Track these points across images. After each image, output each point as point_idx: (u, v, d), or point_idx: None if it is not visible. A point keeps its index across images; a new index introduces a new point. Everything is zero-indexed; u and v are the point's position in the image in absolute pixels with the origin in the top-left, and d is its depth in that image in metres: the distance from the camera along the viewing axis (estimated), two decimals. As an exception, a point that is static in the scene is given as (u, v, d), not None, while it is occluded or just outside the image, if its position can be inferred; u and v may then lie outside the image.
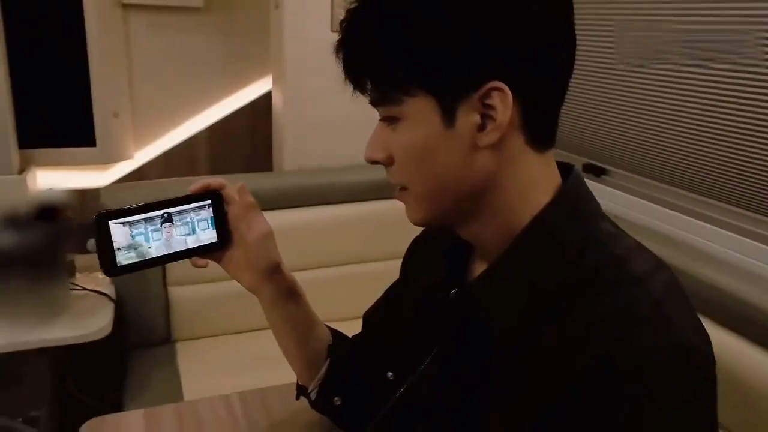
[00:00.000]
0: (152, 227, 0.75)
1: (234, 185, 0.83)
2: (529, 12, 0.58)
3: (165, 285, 1.70)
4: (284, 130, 1.81)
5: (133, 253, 0.74)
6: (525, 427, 0.60)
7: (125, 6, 1.83)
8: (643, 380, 0.53)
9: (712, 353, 0.57)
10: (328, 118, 1.86)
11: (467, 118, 0.59)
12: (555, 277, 0.60)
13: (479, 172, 0.62)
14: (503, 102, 0.58)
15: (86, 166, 1.91)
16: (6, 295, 1.42)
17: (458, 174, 0.62)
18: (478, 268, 0.71)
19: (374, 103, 0.65)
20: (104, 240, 0.72)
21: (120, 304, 1.61)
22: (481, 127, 0.60)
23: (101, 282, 1.63)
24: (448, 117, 0.60)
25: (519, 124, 0.60)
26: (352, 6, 0.64)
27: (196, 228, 0.78)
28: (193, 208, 0.77)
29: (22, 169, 1.76)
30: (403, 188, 0.67)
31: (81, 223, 1.67)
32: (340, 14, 1.86)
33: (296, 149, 1.82)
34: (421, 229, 0.84)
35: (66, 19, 1.77)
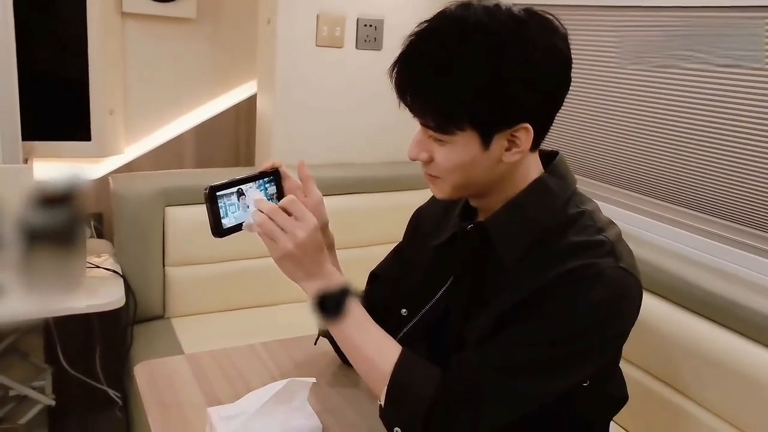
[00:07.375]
0: (241, 198, 0.95)
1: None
2: (551, 79, 0.82)
3: (164, 265, 1.88)
4: (271, 131, 2.03)
5: (232, 218, 0.92)
6: (492, 323, 0.86)
7: (125, 14, 1.99)
8: (602, 282, 0.81)
9: (641, 285, 0.86)
10: (311, 121, 2.08)
11: (499, 144, 0.83)
12: (550, 218, 0.87)
13: (498, 174, 0.87)
14: (527, 136, 0.83)
15: (79, 159, 2.06)
16: (36, 268, 1.65)
17: (483, 177, 0.87)
18: None
19: (427, 127, 0.84)
20: (213, 208, 0.90)
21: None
22: (507, 149, 0.84)
23: (105, 262, 1.80)
24: (486, 144, 0.83)
25: (530, 143, 0.85)
26: (415, 43, 0.82)
27: (266, 198, 1.01)
28: (265, 182, 1.00)
29: (26, 160, 1.90)
30: (436, 176, 0.89)
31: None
32: (324, 31, 2.11)
33: (282, 148, 2.04)
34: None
35: (71, 24, 1.92)
